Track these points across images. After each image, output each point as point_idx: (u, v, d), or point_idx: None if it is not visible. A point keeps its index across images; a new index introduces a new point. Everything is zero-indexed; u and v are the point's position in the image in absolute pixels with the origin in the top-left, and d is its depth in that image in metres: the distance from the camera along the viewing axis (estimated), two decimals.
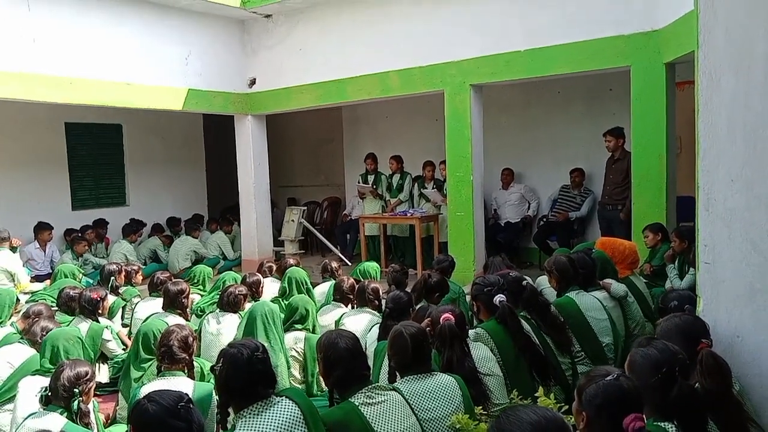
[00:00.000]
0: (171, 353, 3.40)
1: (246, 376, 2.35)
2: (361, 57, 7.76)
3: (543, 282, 5.34)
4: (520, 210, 8.73)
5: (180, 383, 3.28)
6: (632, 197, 6.21)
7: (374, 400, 2.50)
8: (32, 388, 3.31)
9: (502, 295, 3.53)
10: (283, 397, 2.40)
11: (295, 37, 8.40)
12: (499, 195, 8.89)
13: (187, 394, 2.04)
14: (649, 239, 5.85)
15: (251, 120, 8.95)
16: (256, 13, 8.45)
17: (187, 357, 3.45)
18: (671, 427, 2.18)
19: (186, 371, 3.45)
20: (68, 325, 4.82)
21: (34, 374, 3.54)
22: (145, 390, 2.99)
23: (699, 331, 2.62)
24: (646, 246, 5.88)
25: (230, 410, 2.42)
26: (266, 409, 2.33)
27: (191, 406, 2.00)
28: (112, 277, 6.05)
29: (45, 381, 3.28)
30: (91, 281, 7.27)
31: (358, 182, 9.16)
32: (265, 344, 4.02)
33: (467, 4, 6.93)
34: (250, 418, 2.30)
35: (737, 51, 2.63)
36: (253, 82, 8.87)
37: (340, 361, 2.58)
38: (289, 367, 4.25)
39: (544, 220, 8.58)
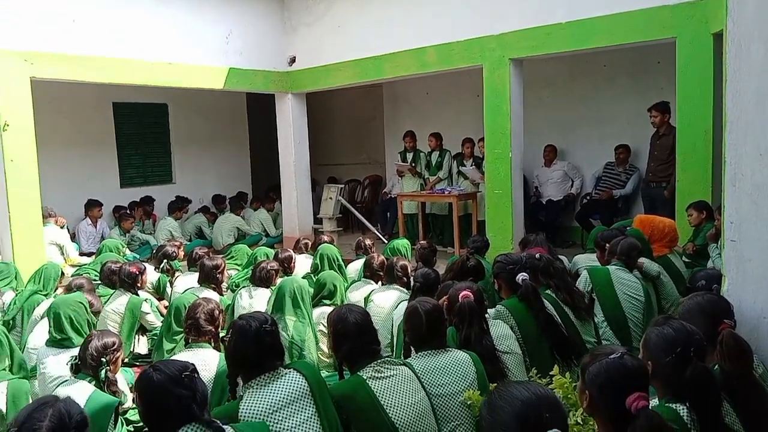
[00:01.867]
0: (197, 326, 3.48)
1: (254, 347, 2.40)
2: (398, 33, 7.67)
3: (580, 260, 5.26)
4: (563, 188, 8.54)
5: (206, 355, 3.38)
6: (676, 174, 5.99)
7: (382, 374, 2.51)
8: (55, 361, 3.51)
9: (524, 274, 3.48)
10: (291, 369, 2.43)
11: (334, 14, 8.38)
12: (541, 172, 8.71)
13: (192, 365, 2.09)
14: (693, 218, 5.65)
15: (291, 98, 9.00)
16: None
17: (213, 329, 3.52)
18: (683, 409, 2.12)
19: (212, 343, 3.54)
20: (109, 298, 5.03)
21: (48, 345, 3.70)
22: None
23: (722, 310, 2.52)
24: (689, 224, 5.68)
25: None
26: (273, 380, 2.38)
27: (196, 375, 2.04)
28: (165, 259, 6.08)
29: (57, 351, 3.48)
30: (137, 256, 7.52)
31: (397, 161, 9.13)
32: (294, 319, 4.15)
33: None
34: (257, 388, 2.35)
35: None
36: (293, 60, 8.90)
37: (349, 336, 2.60)
38: (317, 342, 4.31)
39: (588, 198, 8.37)
